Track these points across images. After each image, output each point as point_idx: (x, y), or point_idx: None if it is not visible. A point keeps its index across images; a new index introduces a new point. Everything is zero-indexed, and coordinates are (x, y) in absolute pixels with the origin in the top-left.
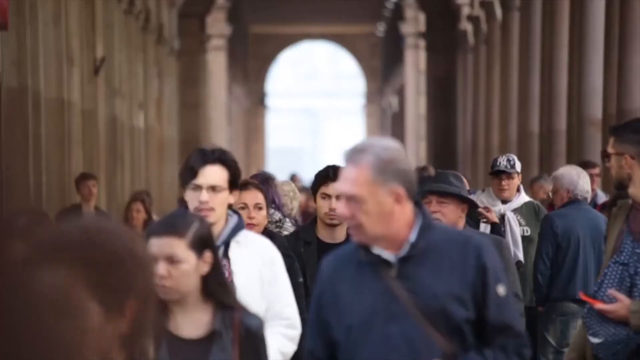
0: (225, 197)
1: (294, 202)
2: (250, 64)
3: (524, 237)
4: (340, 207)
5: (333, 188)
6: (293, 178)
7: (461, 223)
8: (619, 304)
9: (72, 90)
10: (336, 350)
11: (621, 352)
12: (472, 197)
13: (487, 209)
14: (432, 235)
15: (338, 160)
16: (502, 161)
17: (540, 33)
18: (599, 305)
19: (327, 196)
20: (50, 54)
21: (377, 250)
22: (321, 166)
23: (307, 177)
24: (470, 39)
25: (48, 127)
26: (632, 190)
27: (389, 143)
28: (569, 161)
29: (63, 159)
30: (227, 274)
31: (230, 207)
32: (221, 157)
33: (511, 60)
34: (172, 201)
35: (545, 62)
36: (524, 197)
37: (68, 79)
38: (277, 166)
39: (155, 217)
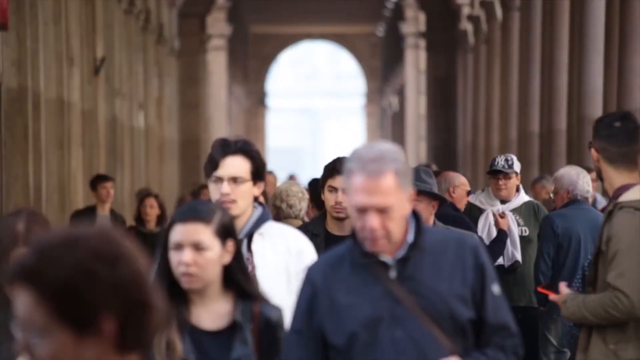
0: (249, 189)
1: (302, 202)
2: (251, 64)
3: (522, 237)
4: (371, 222)
5: (339, 181)
6: (291, 179)
7: (431, 220)
8: (560, 295)
9: (72, 90)
10: (332, 358)
11: (571, 341)
12: (471, 197)
13: (502, 215)
14: (428, 236)
15: (342, 154)
16: (500, 161)
17: (540, 33)
18: (552, 297)
19: (334, 189)
20: (50, 54)
21: (374, 253)
22: (321, 166)
23: (307, 177)
24: (471, 38)
25: (48, 127)
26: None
27: (393, 145)
28: (569, 161)
29: (63, 159)
30: (250, 268)
31: (256, 199)
32: (243, 148)
33: (511, 60)
34: (172, 201)
35: (546, 62)
36: (523, 197)
37: (68, 79)
38: (277, 166)
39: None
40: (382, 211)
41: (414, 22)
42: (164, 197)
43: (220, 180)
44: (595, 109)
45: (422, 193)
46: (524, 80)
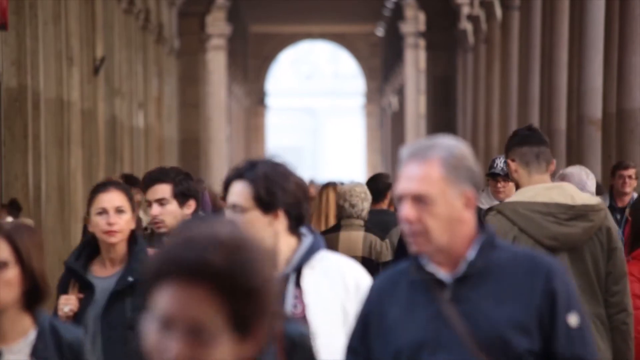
0: (256, 219)
1: (365, 203)
2: (250, 64)
3: None
4: (405, 210)
5: (152, 193)
6: None
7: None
8: None
9: (71, 89)
10: None
11: None
12: None
13: None
14: (495, 254)
15: (337, 158)
16: (499, 163)
17: (540, 32)
18: None
19: (149, 203)
20: (50, 54)
21: (431, 267)
22: (321, 165)
23: (307, 176)
24: (470, 38)
25: (48, 127)
26: None
27: (454, 140)
28: (569, 161)
29: (62, 158)
30: (300, 308)
31: (298, 225)
32: (245, 173)
33: (511, 59)
34: None
35: (545, 62)
36: None
37: (68, 78)
38: None
39: None
40: (419, 201)
41: (414, 21)
42: None
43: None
44: (595, 108)
45: None
46: (524, 79)
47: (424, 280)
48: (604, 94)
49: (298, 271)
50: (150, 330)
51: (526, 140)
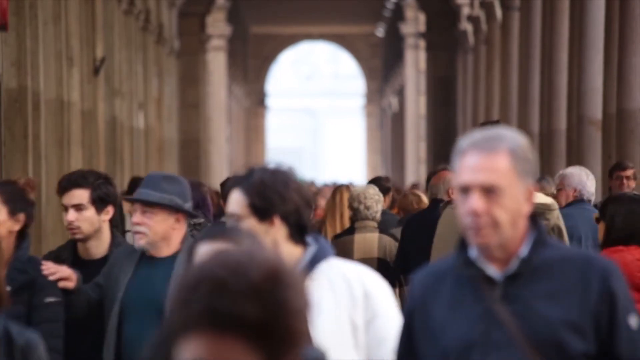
0: (252, 227)
1: (379, 205)
2: (250, 64)
3: None
4: (473, 201)
5: (69, 197)
6: None
7: (176, 236)
8: None
9: (71, 90)
10: None
11: None
12: None
13: None
14: (547, 252)
15: (341, 159)
16: None
17: (540, 33)
18: None
19: (65, 207)
20: (50, 54)
21: (481, 263)
22: (322, 166)
23: (307, 177)
24: (470, 39)
25: (48, 128)
26: None
27: (515, 132)
28: (569, 161)
29: (62, 159)
30: None
31: (300, 234)
32: (241, 181)
33: (511, 60)
34: None
35: (545, 62)
36: None
37: (68, 79)
38: None
39: None
40: (489, 191)
41: (414, 22)
42: None
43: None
44: (595, 109)
45: (158, 205)
46: (524, 80)
47: (471, 276)
48: (604, 94)
49: None
50: None
51: None
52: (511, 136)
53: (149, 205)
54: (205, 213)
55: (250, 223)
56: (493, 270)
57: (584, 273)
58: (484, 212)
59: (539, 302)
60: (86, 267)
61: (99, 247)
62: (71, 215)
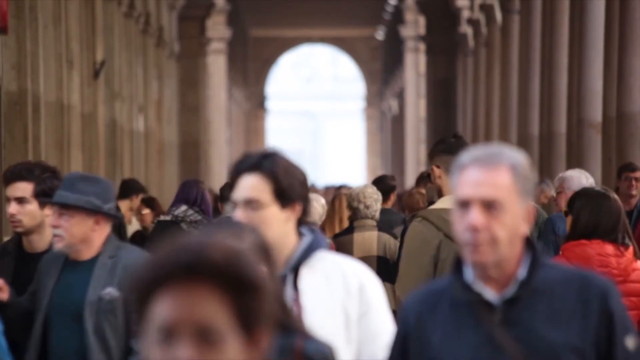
0: (274, 215)
1: (377, 203)
2: (250, 67)
3: None
4: (473, 216)
5: (12, 189)
6: None
7: (97, 238)
8: None
9: (71, 93)
10: None
11: None
12: None
13: None
14: (545, 273)
15: (339, 162)
16: None
17: (540, 36)
18: None
19: (8, 199)
20: (50, 57)
21: (478, 286)
22: (322, 169)
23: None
24: (470, 42)
25: (48, 130)
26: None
27: (519, 152)
28: (569, 164)
29: (63, 162)
30: (296, 310)
31: (299, 224)
32: (262, 163)
33: (511, 63)
34: None
35: (545, 65)
36: None
37: (68, 82)
38: None
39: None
40: (489, 207)
41: (414, 25)
42: (164, 200)
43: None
44: (595, 111)
45: (75, 207)
46: (524, 83)
47: (469, 301)
48: (604, 97)
49: (296, 272)
50: (151, 349)
51: (451, 148)
52: (513, 154)
53: (66, 207)
54: (204, 210)
55: (272, 210)
56: (491, 294)
57: (582, 294)
58: (484, 228)
59: (540, 325)
60: (31, 260)
61: (41, 241)
62: (13, 208)
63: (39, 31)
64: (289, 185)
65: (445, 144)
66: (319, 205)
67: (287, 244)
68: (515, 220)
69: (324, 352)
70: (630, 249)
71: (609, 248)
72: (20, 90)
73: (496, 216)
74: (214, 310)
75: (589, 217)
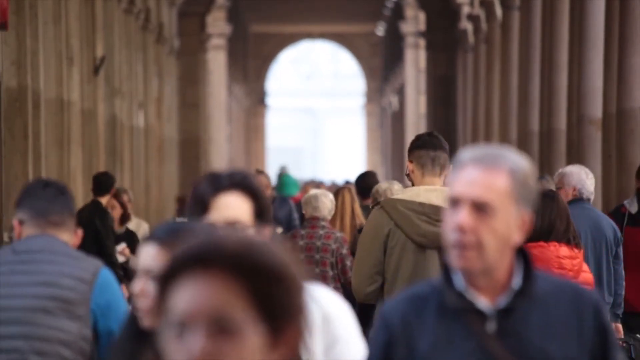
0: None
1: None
2: (250, 63)
3: None
4: (461, 216)
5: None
6: (282, 171)
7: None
8: None
9: (71, 89)
10: None
11: None
12: None
13: None
14: (539, 283)
15: (338, 158)
16: None
17: (540, 32)
18: None
19: None
20: (50, 54)
21: (469, 294)
22: (321, 165)
23: (307, 176)
24: (471, 38)
25: (48, 127)
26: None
27: (523, 157)
28: (569, 161)
29: (62, 158)
30: None
31: None
32: (241, 182)
33: (511, 59)
34: (171, 201)
35: (545, 62)
36: None
37: (68, 78)
38: (277, 166)
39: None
40: (480, 209)
41: (414, 21)
42: (164, 196)
43: None
44: (595, 108)
45: None
46: (524, 79)
47: (460, 309)
48: (604, 94)
49: None
50: (169, 342)
51: (425, 145)
52: (514, 158)
53: None
54: None
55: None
56: (483, 303)
57: (576, 306)
58: (470, 230)
59: (537, 337)
60: None
61: None
62: None
63: (39, 28)
64: (267, 206)
65: (419, 140)
66: (327, 201)
67: None
68: (507, 228)
69: None
70: (582, 251)
71: (565, 250)
72: (20, 86)
73: (486, 220)
74: (229, 299)
75: (543, 220)
